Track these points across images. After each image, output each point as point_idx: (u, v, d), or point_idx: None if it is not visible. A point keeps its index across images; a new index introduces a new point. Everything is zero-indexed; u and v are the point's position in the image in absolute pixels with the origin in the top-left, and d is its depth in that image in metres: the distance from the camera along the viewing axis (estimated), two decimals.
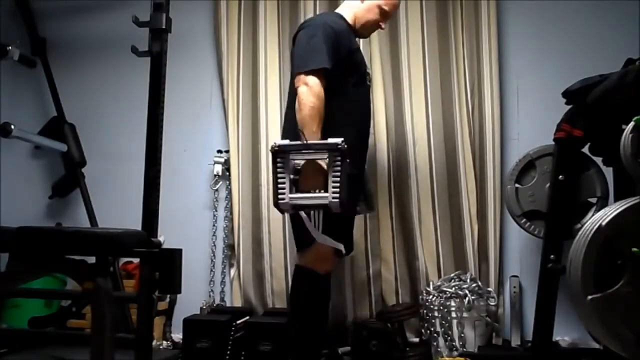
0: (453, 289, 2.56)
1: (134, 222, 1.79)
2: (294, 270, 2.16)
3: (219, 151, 3.10)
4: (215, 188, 3.10)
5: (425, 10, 2.91)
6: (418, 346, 2.65)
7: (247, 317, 2.72)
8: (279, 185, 1.83)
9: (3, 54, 2.99)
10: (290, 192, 1.84)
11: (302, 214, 1.88)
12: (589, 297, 1.74)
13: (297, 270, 2.13)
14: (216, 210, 3.09)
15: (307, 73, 1.97)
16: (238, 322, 2.60)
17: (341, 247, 2.01)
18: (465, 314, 2.50)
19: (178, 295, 2.96)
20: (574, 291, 1.84)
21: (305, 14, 2.95)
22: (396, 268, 2.82)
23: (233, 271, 3.02)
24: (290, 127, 2.04)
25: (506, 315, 2.75)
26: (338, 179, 1.80)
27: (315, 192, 1.83)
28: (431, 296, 2.58)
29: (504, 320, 2.75)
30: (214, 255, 3.07)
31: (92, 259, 1.46)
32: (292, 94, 2.07)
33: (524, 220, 2.43)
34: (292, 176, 1.85)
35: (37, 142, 3.22)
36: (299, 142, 1.86)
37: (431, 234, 2.82)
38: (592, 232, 1.78)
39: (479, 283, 2.63)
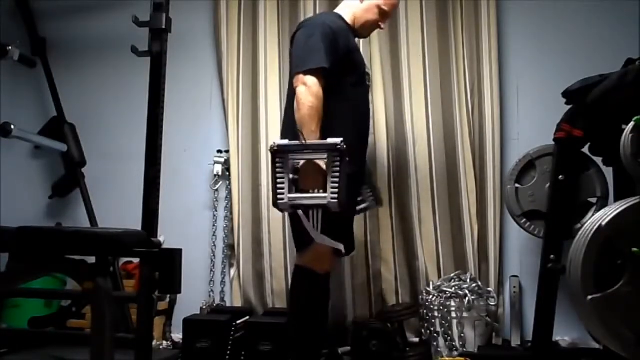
0: (453, 289, 2.56)
1: (134, 222, 1.79)
2: (293, 270, 2.16)
3: (219, 151, 3.10)
4: (215, 188, 3.10)
5: (425, 10, 2.91)
6: (418, 346, 2.65)
7: (247, 317, 2.73)
8: (278, 185, 1.83)
9: (3, 54, 2.99)
10: (290, 192, 1.84)
11: (301, 213, 1.88)
12: (589, 297, 1.74)
13: (297, 270, 2.13)
14: (216, 210, 3.09)
15: (306, 73, 1.97)
16: (238, 322, 2.60)
17: (340, 246, 2.01)
18: (465, 314, 2.50)
19: (178, 295, 2.96)
20: (574, 291, 1.84)
21: (305, 14, 2.95)
22: (396, 268, 2.82)
23: (233, 271, 3.03)
24: (290, 126, 2.04)
25: (506, 315, 2.75)
26: (337, 179, 1.80)
27: (314, 192, 1.83)
28: (431, 296, 2.58)
29: (504, 320, 2.75)
30: (214, 255, 3.07)
31: (92, 259, 1.46)
32: (291, 93, 2.07)
33: (524, 220, 2.43)
34: (291, 176, 1.85)
35: (37, 142, 3.22)
36: (298, 142, 1.86)
37: (431, 234, 2.82)
38: (592, 232, 1.78)
39: (479, 283, 2.63)
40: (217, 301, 3.01)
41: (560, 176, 2.25)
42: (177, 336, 2.89)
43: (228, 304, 3.01)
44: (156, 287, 1.59)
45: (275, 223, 2.92)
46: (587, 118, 2.20)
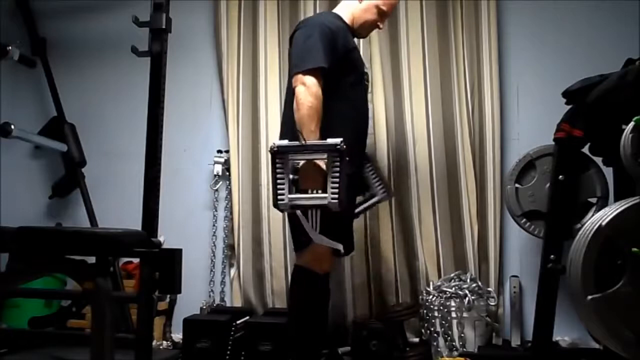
0: (453, 289, 2.56)
1: (134, 222, 1.79)
2: (293, 271, 2.16)
3: (219, 151, 3.10)
4: (215, 188, 3.10)
5: (425, 10, 2.91)
6: (418, 346, 2.65)
7: (247, 317, 2.72)
8: (279, 186, 1.84)
9: (3, 54, 2.99)
10: (290, 193, 1.84)
11: (299, 213, 1.88)
12: (589, 297, 1.75)
13: (296, 270, 2.13)
14: (216, 210, 3.09)
15: (305, 73, 1.96)
16: (238, 322, 2.60)
17: (339, 246, 2.01)
18: (465, 314, 2.50)
19: (178, 295, 2.96)
20: (574, 291, 1.84)
21: (305, 14, 2.95)
22: (396, 268, 2.82)
23: (233, 271, 3.03)
24: (289, 127, 2.04)
25: (506, 315, 2.75)
26: (337, 179, 1.80)
27: (314, 193, 1.83)
28: (431, 296, 2.58)
29: (504, 320, 2.75)
30: (214, 255, 3.07)
31: (92, 259, 1.46)
32: (290, 93, 2.06)
33: (524, 220, 2.43)
34: (291, 176, 1.85)
35: (37, 142, 3.22)
36: (298, 143, 1.86)
37: (431, 234, 2.82)
38: (592, 232, 1.78)
39: (479, 283, 2.63)
40: (217, 301, 3.01)
41: (560, 176, 2.24)
42: (177, 336, 2.89)
43: (228, 304, 3.01)
44: (156, 287, 1.59)
45: (275, 223, 2.92)
46: (587, 118, 2.20)
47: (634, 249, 1.71)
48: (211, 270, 3.05)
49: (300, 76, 1.97)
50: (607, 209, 1.87)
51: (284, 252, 2.92)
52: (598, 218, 1.81)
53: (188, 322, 2.58)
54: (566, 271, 1.93)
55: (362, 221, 2.78)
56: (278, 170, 1.84)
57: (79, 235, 1.54)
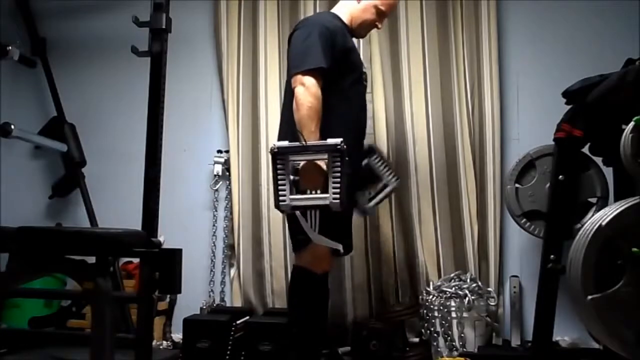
0: (453, 289, 2.56)
1: (134, 222, 1.79)
2: (292, 271, 2.16)
3: (219, 151, 3.10)
4: (215, 188, 3.10)
5: (425, 10, 2.91)
6: (418, 346, 2.65)
7: (247, 317, 2.72)
8: (279, 187, 1.84)
9: (3, 54, 2.99)
10: (291, 193, 1.84)
11: (298, 214, 1.88)
12: (589, 297, 1.74)
13: (295, 270, 2.13)
14: (216, 210, 3.09)
15: (304, 73, 1.96)
16: (238, 322, 2.60)
17: (339, 246, 2.01)
18: (465, 314, 2.50)
19: (178, 295, 2.96)
20: (574, 291, 1.84)
21: (305, 14, 2.94)
22: (396, 268, 2.82)
23: (233, 271, 3.03)
24: (288, 127, 2.04)
25: (506, 315, 2.75)
26: (338, 179, 1.80)
27: (315, 193, 1.83)
28: (431, 296, 2.58)
29: (504, 320, 2.75)
30: (214, 255, 3.07)
31: (92, 259, 1.46)
32: (289, 94, 2.06)
33: (524, 220, 2.43)
34: (292, 177, 1.85)
35: (37, 142, 3.22)
36: (298, 144, 1.86)
37: (431, 234, 2.82)
38: (592, 232, 1.78)
39: (479, 283, 2.63)
40: (217, 301, 3.01)
41: (560, 176, 2.24)
42: (177, 336, 2.89)
43: (228, 304, 3.01)
44: (156, 287, 1.59)
45: (275, 223, 2.92)
46: (587, 118, 2.20)
47: (634, 249, 1.71)
48: (211, 270, 3.05)
49: (299, 77, 1.97)
50: (607, 209, 1.87)
51: (284, 252, 2.92)
52: (598, 218, 1.81)
53: (188, 322, 2.58)
54: (566, 271, 1.93)
55: (362, 221, 2.78)
56: (279, 171, 1.84)
57: (79, 235, 1.54)
